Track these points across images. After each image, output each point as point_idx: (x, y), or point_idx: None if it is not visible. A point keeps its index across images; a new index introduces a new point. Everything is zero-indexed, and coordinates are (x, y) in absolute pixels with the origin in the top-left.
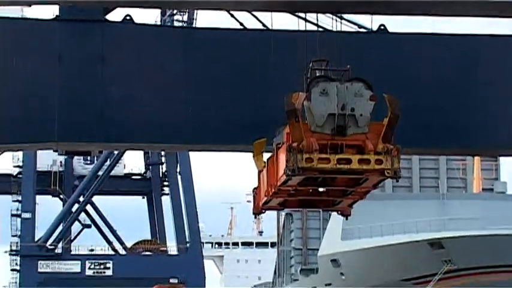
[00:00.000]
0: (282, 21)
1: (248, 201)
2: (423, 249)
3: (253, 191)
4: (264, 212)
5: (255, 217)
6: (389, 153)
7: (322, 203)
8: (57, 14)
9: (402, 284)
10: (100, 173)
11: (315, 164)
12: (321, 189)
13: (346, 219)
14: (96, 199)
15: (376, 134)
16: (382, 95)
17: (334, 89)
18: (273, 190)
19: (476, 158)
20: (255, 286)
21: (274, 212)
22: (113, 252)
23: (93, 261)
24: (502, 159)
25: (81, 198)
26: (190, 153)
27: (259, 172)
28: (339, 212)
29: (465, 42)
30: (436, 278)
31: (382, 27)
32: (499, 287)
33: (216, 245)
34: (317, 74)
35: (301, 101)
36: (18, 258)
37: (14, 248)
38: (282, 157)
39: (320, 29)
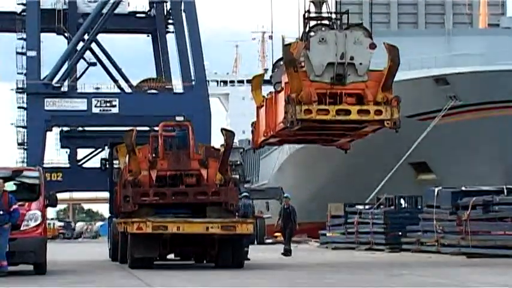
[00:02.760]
0: None
1: (253, 39)
2: (428, 85)
3: (252, 125)
4: (263, 147)
5: (254, 152)
6: (388, 103)
7: (321, 140)
8: None
9: (407, 120)
10: (104, 11)
11: (313, 116)
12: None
13: (346, 153)
14: (101, 38)
15: (375, 82)
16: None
17: (333, 37)
18: (271, 133)
19: None
20: None
21: (279, 47)
22: (118, 90)
23: (99, 98)
24: None
25: (86, 37)
26: None
27: (258, 107)
28: (338, 146)
29: None
30: (440, 113)
31: None
32: (504, 122)
33: (222, 83)
34: (315, 25)
35: (300, 51)
36: (25, 95)
37: (20, 85)
38: (281, 105)
39: None
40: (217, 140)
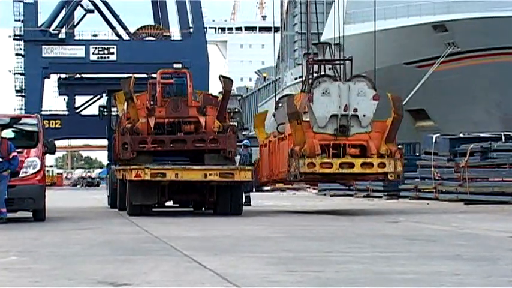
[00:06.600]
0: None
1: None
2: (427, 32)
3: (255, 162)
4: (266, 185)
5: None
6: (392, 156)
7: (325, 181)
8: None
9: (405, 67)
10: None
11: (317, 169)
12: None
13: (349, 188)
14: None
15: (379, 133)
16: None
17: (336, 89)
18: (274, 178)
19: None
20: (258, 70)
21: None
22: (116, 38)
23: (97, 46)
24: None
25: None
26: None
27: (261, 146)
28: (341, 183)
29: None
30: (439, 60)
31: None
32: (502, 69)
33: (220, 30)
34: (320, 72)
35: (303, 103)
36: (22, 43)
37: (17, 32)
38: (284, 154)
39: None
40: (215, 87)
